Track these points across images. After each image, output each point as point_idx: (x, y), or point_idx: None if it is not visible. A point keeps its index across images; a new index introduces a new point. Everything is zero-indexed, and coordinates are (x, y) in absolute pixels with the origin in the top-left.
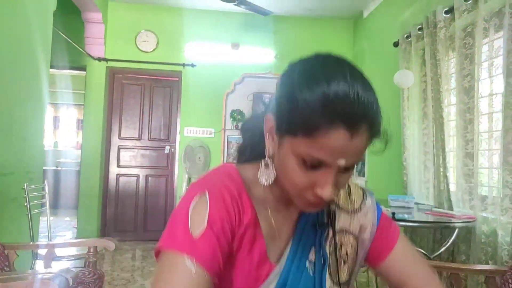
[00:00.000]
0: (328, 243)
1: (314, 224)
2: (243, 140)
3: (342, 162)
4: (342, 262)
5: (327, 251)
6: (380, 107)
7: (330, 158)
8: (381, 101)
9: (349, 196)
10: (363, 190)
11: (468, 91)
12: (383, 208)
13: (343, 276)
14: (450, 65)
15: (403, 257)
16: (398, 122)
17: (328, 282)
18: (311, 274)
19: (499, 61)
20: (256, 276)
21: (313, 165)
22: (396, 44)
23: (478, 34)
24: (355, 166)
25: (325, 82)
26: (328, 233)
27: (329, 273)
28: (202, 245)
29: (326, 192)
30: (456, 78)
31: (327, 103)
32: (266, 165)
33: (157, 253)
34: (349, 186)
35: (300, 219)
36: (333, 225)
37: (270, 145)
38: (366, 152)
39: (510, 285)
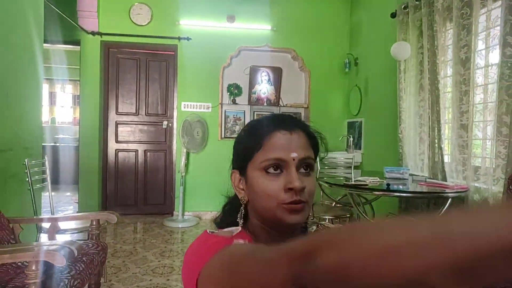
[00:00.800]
0: None
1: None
2: (223, 214)
3: (294, 154)
4: None
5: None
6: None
7: (283, 154)
8: (377, 74)
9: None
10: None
11: (464, 62)
12: None
13: None
14: (447, 36)
15: None
16: (394, 94)
17: None
18: None
19: (496, 32)
20: None
21: (275, 169)
22: (393, 15)
23: (476, 4)
24: (311, 169)
25: (258, 118)
26: None
27: None
28: (239, 235)
29: (295, 182)
30: (452, 49)
31: (268, 121)
32: (242, 215)
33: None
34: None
35: None
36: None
37: (241, 193)
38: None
39: None
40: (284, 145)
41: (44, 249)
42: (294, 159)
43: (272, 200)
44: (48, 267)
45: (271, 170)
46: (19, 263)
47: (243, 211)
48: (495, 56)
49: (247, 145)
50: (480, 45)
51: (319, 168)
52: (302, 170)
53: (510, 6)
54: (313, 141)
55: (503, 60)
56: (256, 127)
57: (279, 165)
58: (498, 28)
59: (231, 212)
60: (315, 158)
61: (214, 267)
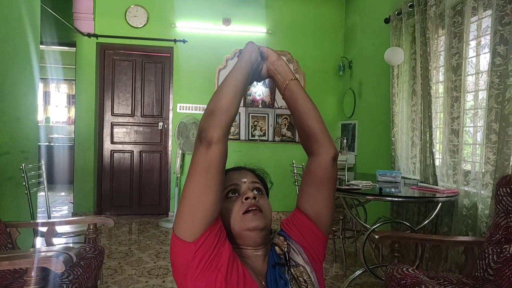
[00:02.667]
0: (287, 274)
1: (274, 265)
2: None
3: (244, 179)
4: (306, 287)
5: (287, 278)
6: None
7: (236, 180)
8: (371, 78)
9: (280, 243)
10: (281, 235)
11: (455, 69)
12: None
13: None
14: (439, 43)
15: (303, 200)
16: (387, 98)
17: None
18: None
19: (486, 40)
20: None
21: (233, 192)
22: (387, 21)
23: (467, 13)
24: (262, 193)
25: None
26: (285, 269)
27: None
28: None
29: (249, 193)
30: (444, 56)
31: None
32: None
33: None
34: (277, 242)
35: (267, 268)
36: (287, 262)
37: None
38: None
39: (487, 255)
40: (236, 176)
41: (43, 256)
42: (244, 182)
43: (235, 214)
44: (47, 273)
45: (230, 194)
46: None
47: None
48: (485, 64)
49: None
50: (471, 53)
51: None
52: (255, 192)
53: (500, 16)
54: (261, 179)
55: (492, 69)
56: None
57: (235, 190)
58: (488, 37)
59: None
60: (266, 191)
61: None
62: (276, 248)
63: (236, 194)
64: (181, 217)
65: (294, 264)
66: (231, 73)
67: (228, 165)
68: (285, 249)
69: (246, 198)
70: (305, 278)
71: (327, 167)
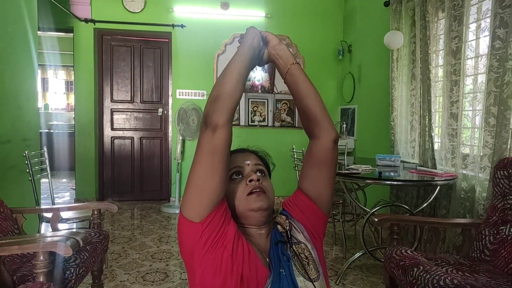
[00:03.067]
0: (289, 251)
1: (276, 243)
2: None
3: (247, 162)
4: (307, 264)
5: (289, 254)
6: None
7: (239, 162)
8: (370, 62)
9: (282, 222)
10: (280, 212)
11: (455, 53)
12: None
13: (313, 274)
14: (439, 26)
15: (304, 180)
16: (387, 82)
17: (297, 276)
18: (284, 273)
19: (486, 24)
20: (257, 281)
21: (237, 174)
22: (387, 4)
23: None
24: (265, 175)
25: None
26: (287, 246)
27: (297, 271)
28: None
29: (252, 176)
30: (444, 40)
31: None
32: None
33: None
34: (279, 220)
35: (270, 245)
36: (289, 240)
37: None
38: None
39: (483, 236)
40: (239, 159)
41: (51, 240)
42: (248, 164)
43: (240, 195)
44: (55, 257)
45: (234, 176)
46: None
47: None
48: (484, 48)
49: None
50: (471, 36)
51: None
52: (258, 174)
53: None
54: (264, 161)
55: (492, 52)
56: None
57: (239, 171)
58: (488, 20)
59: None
60: (269, 172)
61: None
62: (279, 226)
63: (240, 176)
64: (188, 199)
65: (296, 241)
66: (234, 59)
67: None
68: (287, 228)
69: (250, 180)
70: (306, 255)
71: (328, 150)
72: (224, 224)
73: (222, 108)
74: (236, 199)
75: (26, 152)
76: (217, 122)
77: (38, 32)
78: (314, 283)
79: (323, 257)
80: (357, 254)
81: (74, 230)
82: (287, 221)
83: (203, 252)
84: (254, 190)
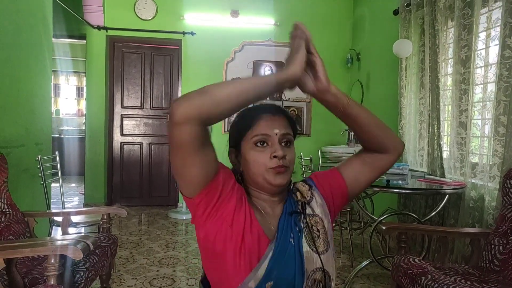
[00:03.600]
0: (302, 222)
1: (291, 213)
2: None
3: (276, 131)
4: (317, 237)
5: (302, 226)
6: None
7: (267, 130)
8: (379, 70)
9: (302, 191)
10: (305, 181)
11: (464, 61)
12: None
13: (321, 247)
14: (448, 35)
15: (349, 168)
16: (395, 91)
17: (305, 247)
18: (293, 243)
19: (496, 33)
20: (258, 249)
21: (262, 143)
22: (396, 12)
23: (477, 4)
24: (291, 143)
25: (247, 108)
26: (300, 217)
27: (306, 242)
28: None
29: (278, 151)
30: (453, 49)
31: (256, 108)
32: (240, 180)
33: None
34: (296, 185)
35: (282, 213)
36: (304, 211)
37: (238, 165)
38: None
39: (493, 246)
40: (269, 124)
41: (62, 244)
42: (276, 134)
43: (261, 166)
44: (65, 260)
45: (259, 144)
46: (35, 256)
47: (240, 177)
48: (494, 57)
49: (241, 126)
50: (480, 45)
51: (320, 162)
52: (283, 144)
53: (511, 8)
54: (292, 123)
55: (501, 61)
56: (247, 113)
57: (265, 140)
58: (498, 29)
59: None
60: (294, 137)
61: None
62: (298, 194)
63: (265, 145)
64: (177, 179)
65: (311, 213)
66: (256, 81)
67: None
68: (308, 198)
69: (275, 156)
70: (318, 228)
71: (390, 162)
72: (221, 200)
73: (197, 103)
74: (257, 169)
75: (39, 156)
76: (176, 114)
77: (52, 38)
78: (320, 255)
79: (332, 232)
80: (365, 263)
81: (84, 234)
82: (310, 192)
83: (203, 220)
84: (277, 167)
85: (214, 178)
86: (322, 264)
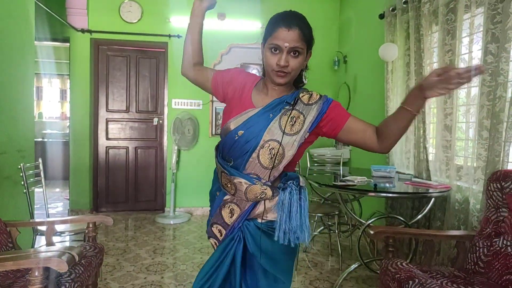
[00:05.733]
0: (287, 113)
1: (284, 101)
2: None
3: (286, 44)
4: (291, 124)
5: (282, 113)
6: (311, 29)
7: (280, 42)
8: (366, 73)
9: (311, 98)
10: (321, 97)
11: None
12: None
13: (288, 130)
14: (433, 39)
15: (356, 124)
16: (382, 93)
17: (275, 122)
18: (270, 117)
19: (478, 38)
20: (241, 106)
21: (275, 50)
22: (381, 16)
23: (460, 10)
24: (299, 53)
25: (278, 13)
26: (289, 109)
27: (278, 121)
28: (221, 72)
29: (281, 61)
30: (438, 53)
31: (278, 18)
32: (263, 69)
33: None
34: (313, 93)
35: (278, 98)
36: (294, 105)
37: (262, 55)
38: None
39: (477, 248)
40: (282, 37)
41: (46, 256)
42: (286, 47)
43: (269, 67)
44: (50, 272)
45: (273, 50)
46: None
47: (263, 67)
48: (477, 61)
49: (267, 31)
50: (464, 50)
51: (308, 165)
52: (292, 54)
53: (492, 15)
54: (307, 36)
55: (484, 66)
56: (272, 21)
57: (277, 48)
58: (480, 34)
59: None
60: (309, 46)
61: None
62: (306, 96)
63: (277, 51)
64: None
65: (299, 110)
66: (189, 23)
67: None
68: (311, 102)
69: (278, 64)
70: (297, 121)
71: (373, 150)
72: (224, 92)
73: (184, 63)
74: (267, 66)
75: (22, 164)
76: (183, 74)
77: (35, 42)
78: (284, 134)
79: (305, 134)
80: (353, 266)
81: (68, 244)
82: (314, 104)
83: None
84: (278, 71)
85: (212, 85)
86: (281, 140)
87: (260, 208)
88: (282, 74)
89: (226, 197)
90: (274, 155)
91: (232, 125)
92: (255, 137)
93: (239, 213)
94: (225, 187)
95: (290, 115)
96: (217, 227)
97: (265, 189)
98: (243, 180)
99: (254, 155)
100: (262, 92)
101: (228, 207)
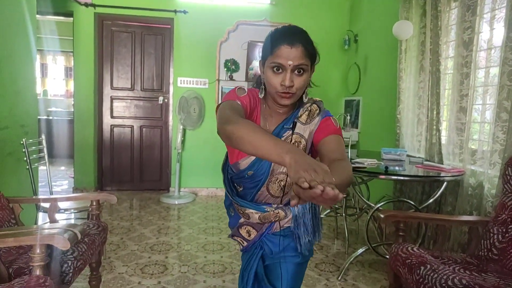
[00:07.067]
0: (288, 139)
1: (283, 128)
2: (256, 83)
3: (290, 62)
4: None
5: (284, 140)
6: (313, 43)
7: (283, 61)
8: (377, 53)
9: (309, 116)
10: (320, 111)
11: (467, 44)
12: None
13: None
14: (451, 16)
15: (329, 143)
16: (394, 74)
17: None
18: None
19: (502, 14)
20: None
21: (277, 69)
22: None
23: None
24: (304, 71)
25: (277, 29)
26: (289, 135)
27: None
28: (243, 98)
29: (286, 81)
30: (456, 31)
31: (279, 35)
32: (263, 89)
33: (217, 108)
34: (311, 109)
35: (280, 123)
36: (293, 129)
37: (262, 75)
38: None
39: (492, 235)
40: (285, 55)
41: (48, 233)
42: (289, 65)
43: (273, 88)
44: (52, 250)
45: (275, 69)
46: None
47: (263, 86)
48: (499, 39)
49: (266, 49)
50: (485, 27)
51: None
52: (296, 72)
53: None
54: (311, 51)
55: (507, 44)
56: (272, 38)
57: (280, 67)
58: (504, 10)
59: (258, 84)
60: (312, 61)
61: (222, 111)
62: (305, 114)
63: (280, 71)
64: None
65: (299, 133)
66: (268, 150)
67: None
68: (305, 122)
69: (283, 84)
70: (297, 145)
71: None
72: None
73: (226, 141)
74: (270, 87)
75: (24, 140)
76: (219, 135)
77: (37, 15)
78: None
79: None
80: (360, 250)
81: (72, 221)
82: (313, 118)
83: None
84: (283, 93)
85: (247, 111)
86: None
87: (276, 227)
88: (287, 96)
89: (241, 220)
90: (283, 186)
91: (242, 165)
92: (263, 174)
93: (256, 234)
94: (237, 211)
95: (291, 141)
96: (245, 228)
97: (278, 213)
98: (254, 211)
99: (263, 188)
100: (268, 118)
101: (245, 229)
